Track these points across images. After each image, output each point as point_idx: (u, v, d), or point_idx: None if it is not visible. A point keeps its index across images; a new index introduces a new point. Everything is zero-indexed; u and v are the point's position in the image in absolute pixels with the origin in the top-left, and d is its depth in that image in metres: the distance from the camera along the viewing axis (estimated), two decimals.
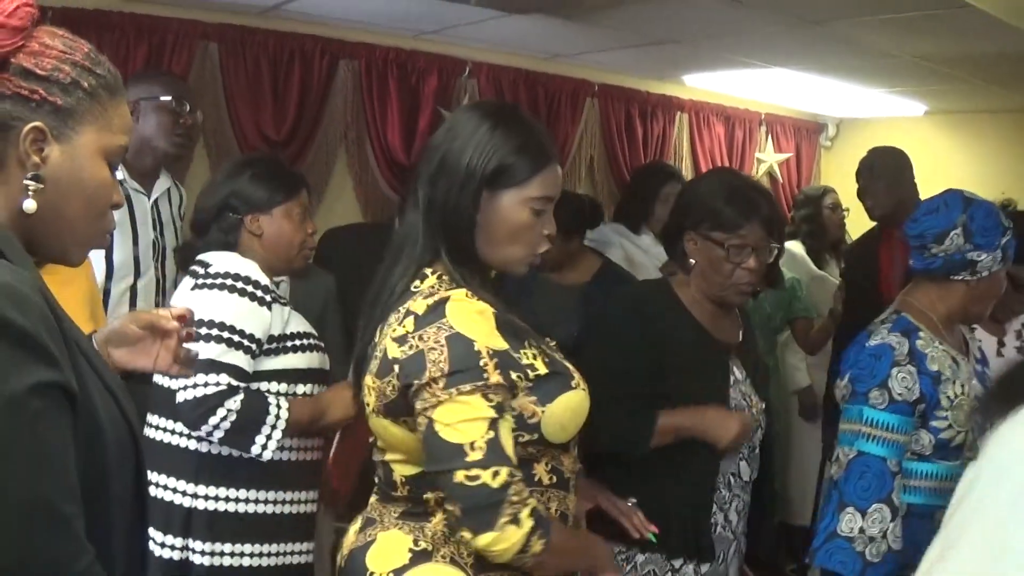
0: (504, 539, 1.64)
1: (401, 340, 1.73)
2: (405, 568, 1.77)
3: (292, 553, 2.53)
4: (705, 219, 2.42)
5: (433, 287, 1.78)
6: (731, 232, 2.38)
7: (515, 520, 1.65)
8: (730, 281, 2.41)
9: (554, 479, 1.83)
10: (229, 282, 2.42)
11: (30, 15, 1.29)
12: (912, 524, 2.30)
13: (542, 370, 1.78)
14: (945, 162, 5.98)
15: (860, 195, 4.26)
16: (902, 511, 2.31)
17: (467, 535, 1.68)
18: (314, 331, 2.60)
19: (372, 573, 1.81)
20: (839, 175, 6.50)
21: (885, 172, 4.19)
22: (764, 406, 2.55)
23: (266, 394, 2.42)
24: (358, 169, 4.74)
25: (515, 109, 1.96)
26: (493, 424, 1.67)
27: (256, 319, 2.41)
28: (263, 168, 2.64)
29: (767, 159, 6.43)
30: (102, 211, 1.39)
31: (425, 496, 1.80)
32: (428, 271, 1.82)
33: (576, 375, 1.86)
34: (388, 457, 1.87)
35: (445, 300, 1.73)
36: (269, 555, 2.48)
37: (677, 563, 2.37)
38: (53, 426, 1.18)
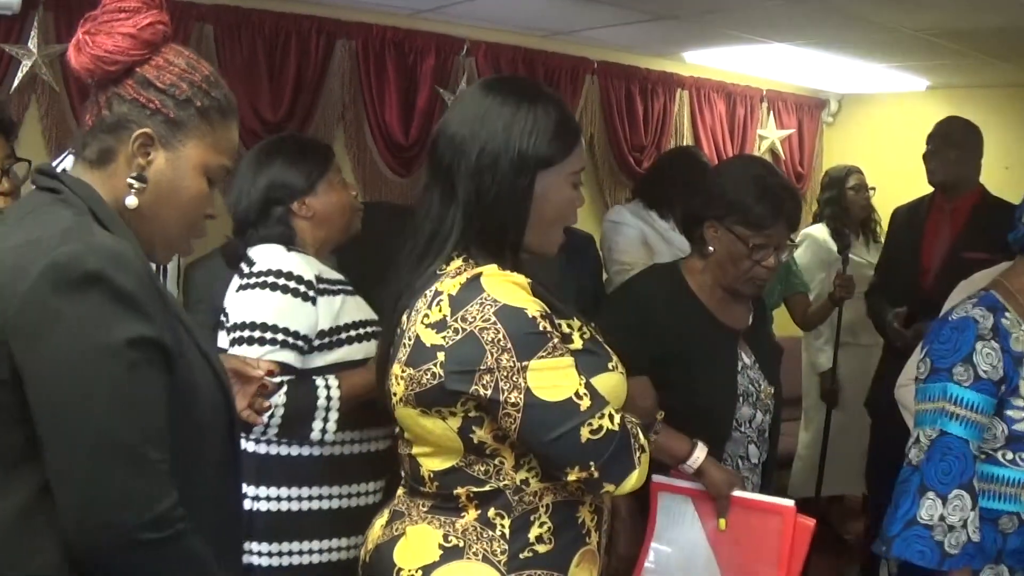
0: (639, 473, 1.68)
1: (439, 326, 1.66)
2: (435, 565, 1.72)
3: (354, 547, 2.42)
4: (731, 212, 2.37)
5: (459, 267, 1.72)
6: (757, 231, 2.35)
7: (642, 450, 1.69)
8: (747, 275, 2.39)
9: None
10: (271, 280, 2.34)
11: (161, 32, 1.46)
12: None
13: (577, 344, 1.75)
14: None
15: (926, 158, 4.20)
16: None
17: (611, 487, 1.68)
18: (373, 317, 2.49)
19: (400, 569, 1.75)
20: (841, 151, 6.47)
21: (960, 142, 4.14)
22: (774, 391, 2.53)
23: (314, 378, 2.34)
24: (356, 149, 4.71)
25: (533, 84, 1.92)
26: (576, 369, 1.67)
27: (301, 315, 2.34)
28: (289, 150, 2.56)
29: (769, 136, 6.40)
30: (194, 220, 1.53)
31: (455, 491, 1.75)
32: (454, 254, 1.76)
33: (615, 358, 1.81)
34: (415, 451, 1.81)
35: (478, 275, 1.68)
36: (331, 551, 2.44)
37: None
38: (145, 377, 1.31)
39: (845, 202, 5.13)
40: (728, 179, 2.46)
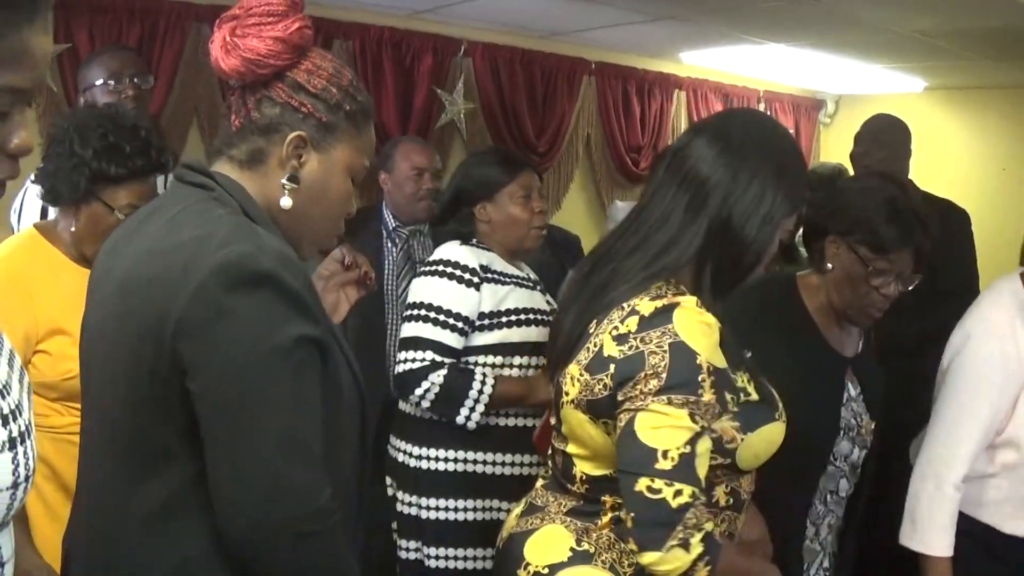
0: (668, 561, 1.57)
1: (621, 339, 1.67)
2: (562, 566, 1.73)
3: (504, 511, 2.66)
4: (856, 230, 2.22)
5: (661, 289, 1.71)
6: (880, 254, 2.20)
7: (684, 544, 1.57)
8: (862, 302, 2.24)
9: (731, 501, 1.78)
10: (440, 268, 2.66)
11: (308, 37, 1.48)
12: None
13: (753, 396, 1.73)
14: (944, 138, 5.96)
15: (855, 159, 4.19)
16: None
17: (634, 547, 1.62)
18: (544, 307, 2.75)
19: (528, 564, 1.77)
20: (838, 151, 6.46)
21: (889, 144, 4.13)
22: (874, 427, 2.36)
23: (475, 369, 2.63)
24: None
25: (792, 138, 1.93)
26: (694, 439, 1.60)
27: (463, 299, 2.62)
28: (484, 158, 2.86)
29: None
30: (338, 218, 1.57)
31: (603, 498, 1.75)
32: (685, 268, 1.75)
33: (779, 403, 1.80)
34: (572, 450, 1.80)
35: (674, 306, 1.66)
36: (488, 510, 2.70)
37: None
38: (311, 375, 1.36)
39: None
40: (859, 194, 2.29)
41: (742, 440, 1.70)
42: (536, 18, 4.73)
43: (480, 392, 2.59)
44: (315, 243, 1.59)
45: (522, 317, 2.69)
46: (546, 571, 1.75)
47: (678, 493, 1.57)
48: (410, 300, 2.69)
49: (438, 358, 2.59)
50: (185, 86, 4.11)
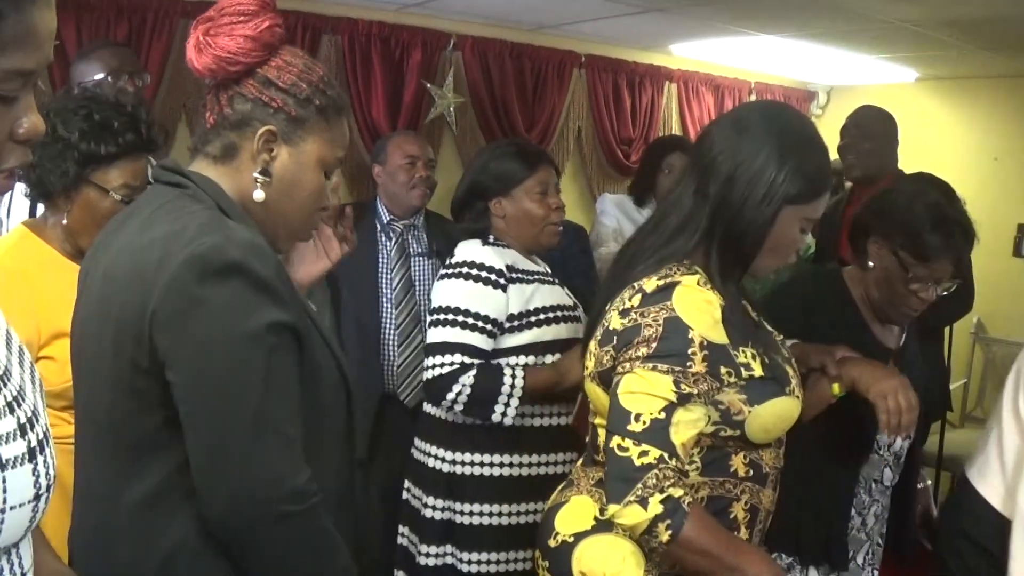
0: (626, 516, 1.67)
1: (624, 313, 1.79)
2: (586, 534, 1.86)
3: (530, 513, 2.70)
4: (899, 234, 2.25)
5: (671, 269, 1.81)
6: (920, 261, 2.22)
7: (642, 502, 1.65)
8: (900, 302, 2.29)
9: (750, 472, 1.83)
10: (464, 270, 2.63)
11: (279, 35, 1.54)
12: None
13: (757, 371, 1.78)
14: (937, 129, 5.95)
15: (841, 152, 4.18)
16: None
17: (604, 498, 1.73)
18: (568, 302, 2.74)
19: (557, 533, 1.91)
20: (830, 143, 6.44)
21: (875, 135, 4.12)
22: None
23: (503, 365, 2.60)
24: None
25: (811, 126, 1.94)
26: (670, 408, 1.70)
27: (490, 301, 2.60)
28: (502, 150, 2.80)
29: None
30: (313, 211, 1.61)
31: None
32: (696, 249, 1.83)
33: (793, 381, 1.85)
34: (598, 421, 1.92)
35: (675, 284, 1.77)
36: (523, 513, 2.69)
37: (812, 573, 2.30)
38: (284, 359, 1.41)
39: None
40: (903, 198, 2.30)
41: (749, 412, 1.77)
42: (525, 11, 4.71)
43: (512, 387, 2.56)
44: (291, 236, 1.64)
45: (551, 315, 2.68)
46: (571, 539, 1.88)
47: (643, 454, 1.67)
48: (434, 304, 2.65)
49: (467, 360, 2.56)
50: (173, 83, 4.08)
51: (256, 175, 1.52)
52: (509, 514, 2.67)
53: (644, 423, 1.68)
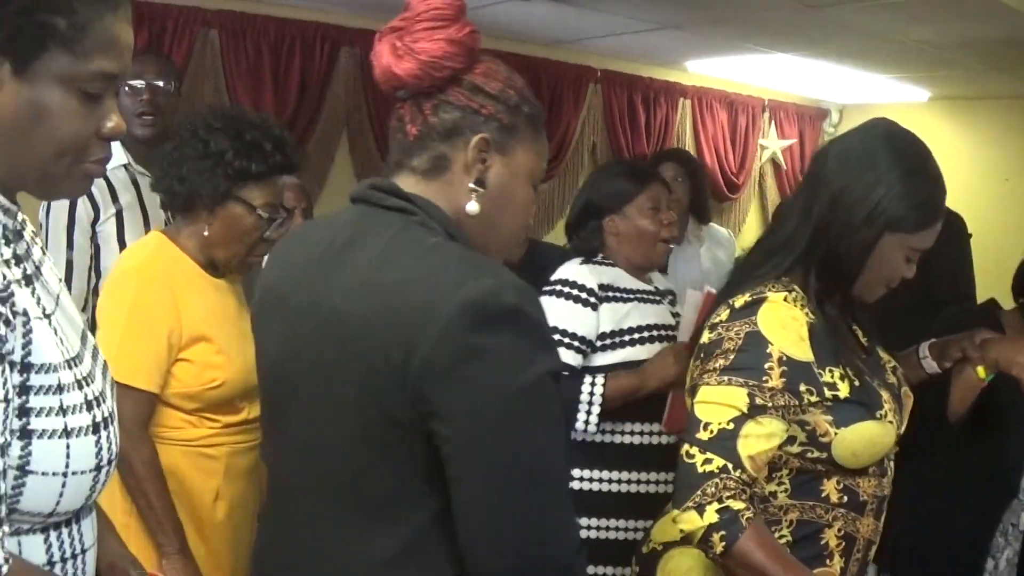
0: (683, 520, 1.67)
1: (712, 328, 1.79)
2: (673, 544, 1.88)
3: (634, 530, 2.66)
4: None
5: (764, 285, 1.79)
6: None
7: (699, 508, 1.65)
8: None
9: (844, 499, 1.79)
10: (557, 288, 2.63)
11: (479, 40, 1.44)
12: None
13: (843, 392, 1.73)
14: (948, 149, 5.95)
15: None
16: None
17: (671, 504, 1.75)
18: (666, 320, 2.70)
19: (650, 541, 1.96)
20: None
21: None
22: None
23: (584, 373, 2.57)
24: (360, 156, 4.73)
25: (927, 155, 1.88)
26: (740, 419, 1.68)
27: (580, 319, 2.58)
28: (613, 169, 2.87)
29: (770, 145, 6.42)
30: (523, 224, 1.53)
31: None
32: (795, 268, 1.81)
33: (886, 406, 1.79)
34: None
35: (762, 300, 1.75)
36: (602, 528, 2.64)
37: None
38: (556, 410, 1.33)
39: None
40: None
41: (835, 434, 1.73)
42: (542, 26, 4.75)
43: (591, 393, 2.54)
44: (501, 251, 1.53)
45: (646, 334, 2.64)
46: (660, 548, 1.92)
47: (707, 462, 1.66)
48: None
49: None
50: (193, 91, 4.12)
51: (471, 185, 1.42)
52: (587, 528, 2.63)
53: (712, 432, 1.68)
